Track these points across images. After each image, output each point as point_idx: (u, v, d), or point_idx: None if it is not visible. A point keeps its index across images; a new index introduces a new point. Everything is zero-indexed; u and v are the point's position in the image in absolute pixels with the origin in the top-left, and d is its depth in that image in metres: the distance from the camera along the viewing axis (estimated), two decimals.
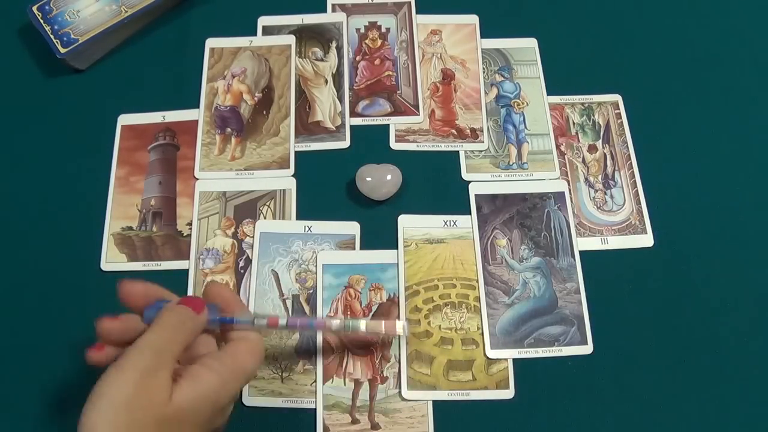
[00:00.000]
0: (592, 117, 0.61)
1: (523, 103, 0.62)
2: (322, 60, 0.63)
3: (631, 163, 0.59)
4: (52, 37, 0.61)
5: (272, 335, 0.52)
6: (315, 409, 0.49)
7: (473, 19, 0.65)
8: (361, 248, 0.55)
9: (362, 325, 0.47)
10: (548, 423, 0.49)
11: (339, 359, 0.51)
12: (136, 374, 0.35)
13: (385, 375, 0.51)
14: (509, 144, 0.60)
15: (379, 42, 0.64)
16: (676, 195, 0.58)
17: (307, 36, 0.64)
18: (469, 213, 0.56)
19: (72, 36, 0.61)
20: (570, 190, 0.58)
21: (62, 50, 0.60)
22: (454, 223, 0.56)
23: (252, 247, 0.55)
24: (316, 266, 0.54)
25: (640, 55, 0.64)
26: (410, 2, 0.66)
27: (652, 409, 0.50)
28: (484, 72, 0.63)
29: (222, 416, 0.41)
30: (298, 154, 0.59)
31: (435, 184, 0.58)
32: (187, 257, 0.55)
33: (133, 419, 0.34)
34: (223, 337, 0.43)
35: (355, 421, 0.49)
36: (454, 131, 0.60)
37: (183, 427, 0.36)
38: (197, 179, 0.58)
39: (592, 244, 0.56)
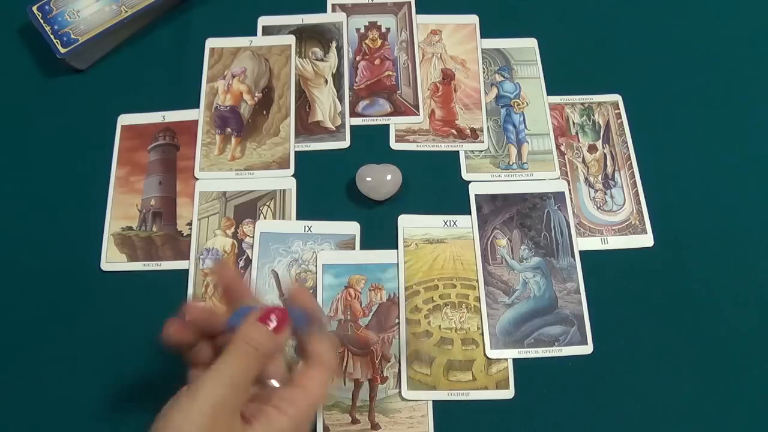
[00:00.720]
0: (592, 117, 0.61)
1: (523, 103, 0.62)
2: (322, 60, 0.63)
3: (631, 163, 0.59)
4: (52, 37, 0.61)
5: None
6: None
7: (473, 19, 0.65)
8: (361, 248, 0.55)
9: None
10: (548, 423, 0.49)
11: (339, 359, 0.51)
12: (209, 407, 0.34)
13: (385, 375, 0.51)
14: (509, 144, 0.60)
15: (379, 42, 0.64)
16: (676, 195, 0.58)
17: (307, 36, 0.64)
18: (469, 213, 0.56)
19: (72, 36, 0.61)
20: (570, 190, 0.58)
21: (62, 50, 0.60)
22: (454, 223, 0.56)
23: (252, 247, 0.55)
24: (316, 266, 0.54)
25: (640, 55, 0.64)
26: (410, 2, 0.66)
27: (652, 409, 0.50)
28: (484, 72, 0.63)
29: None
30: (298, 154, 0.59)
31: (435, 184, 0.58)
32: (187, 257, 0.55)
33: None
34: (299, 347, 0.41)
35: (355, 421, 0.49)
36: (454, 131, 0.60)
37: None
38: (197, 179, 0.58)
39: (592, 244, 0.56)
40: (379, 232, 0.55)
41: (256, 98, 0.61)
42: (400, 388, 0.50)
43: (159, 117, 0.61)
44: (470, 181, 0.58)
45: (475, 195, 0.57)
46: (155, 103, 0.61)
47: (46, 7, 0.62)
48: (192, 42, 0.64)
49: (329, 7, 0.66)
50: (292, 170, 0.58)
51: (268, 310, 0.39)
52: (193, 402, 0.34)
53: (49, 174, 0.58)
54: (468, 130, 0.60)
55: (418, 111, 0.61)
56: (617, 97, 0.62)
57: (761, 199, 0.57)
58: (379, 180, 0.56)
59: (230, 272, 0.41)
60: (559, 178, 0.58)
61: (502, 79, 0.63)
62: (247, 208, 0.57)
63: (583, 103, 0.62)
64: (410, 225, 0.56)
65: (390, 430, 0.49)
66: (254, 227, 0.56)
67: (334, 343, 0.41)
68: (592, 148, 0.60)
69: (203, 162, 0.59)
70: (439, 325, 0.52)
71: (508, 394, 0.50)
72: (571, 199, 0.57)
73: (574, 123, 0.61)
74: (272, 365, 0.40)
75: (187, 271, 0.54)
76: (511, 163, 0.59)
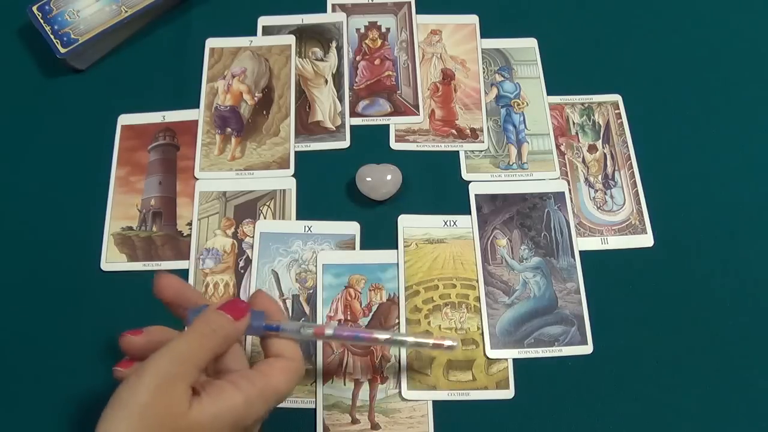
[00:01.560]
0: (592, 117, 0.61)
1: (523, 103, 0.62)
2: (322, 60, 0.63)
3: (631, 163, 0.59)
4: (52, 37, 0.61)
5: None
6: (315, 409, 0.49)
7: (473, 19, 0.65)
8: (361, 248, 0.55)
9: (409, 338, 0.46)
10: (548, 423, 0.49)
11: (339, 359, 0.51)
12: (155, 381, 0.34)
13: (385, 375, 0.51)
14: (509, 144, 0.60)
15: (379, 42, 0.64)
16: (676, 195, 0.58)
17: (307, 36, 0.64)
18: (469, 213, 0.56)
19: (72, 36, 0.61)
20: (570, 190, 0.58)
21: (62, 50, 0.60)
22: (454, 223, 0.56)
23: (252, 247, 0.55)
24: (316, 266, 0.54)
25: (640, 55, 0.64)
26: (410, 2, 0.66)
27: (652, 409, 0.50)
28: (484, 72, 0.63)
29: None
30: (298, 154, 0.59)
31: (435, 184, 0.58)
32: (187, 257, 0.55)
33: (148, 428, 0.33)
34: (264, 349, 0.41)
35: (355, 421, 0.49)
36: (454, 131, 0.60)
37: None
38: (197, 179, 0.58)
39: (592, 244, 0.56)
40: (379, 232, 0.55)
41: (256, 98, 0.61)
42: (400, 388, 0.50)
43: (159, 117, 0.61)
44: (470, 181, 0.58)
45: (475, 195, 0.57)
46: (155, 103, 0.61)
47: (46, 7, 0.62)
48: (192, 42, 0.64)
49: (329, 7, 0.66)
50: (292, 170, 0.58)
51: (230, 301, 0.40)
52: (139, 378, 0.35)
53: (49, 174, 0.58)
54: (468, 130, 0.60)
55: (418, 111, 0.61)
56: (617, 97, 0.62)
57: (761, 199, 0.57)
58: (379, 180, 0.56)
59: (176, 281, 0.42)
60: (559, 178, 0.58)
61: (502, 79, 0.63)
62: (247, 208, 0.57)
63: (583, 103, 0.62)
64: (410, 225, 0.56)
65: (390, 430, 0.49)
66: (254, 227, 0.56)
67: (298, 346, 0.41)
68: (592, 148, 0.60)
69: (203, 162, 0.59)
70: (439, 325, 0.52)
71: (508, 394, 0.50)
72: (571, 199, 0.57)
73: (574, 123, 0.61)
74: (233, 357, 0.40)
75: (187, 271, 0.54)
76: (511, 163, 0.59)
